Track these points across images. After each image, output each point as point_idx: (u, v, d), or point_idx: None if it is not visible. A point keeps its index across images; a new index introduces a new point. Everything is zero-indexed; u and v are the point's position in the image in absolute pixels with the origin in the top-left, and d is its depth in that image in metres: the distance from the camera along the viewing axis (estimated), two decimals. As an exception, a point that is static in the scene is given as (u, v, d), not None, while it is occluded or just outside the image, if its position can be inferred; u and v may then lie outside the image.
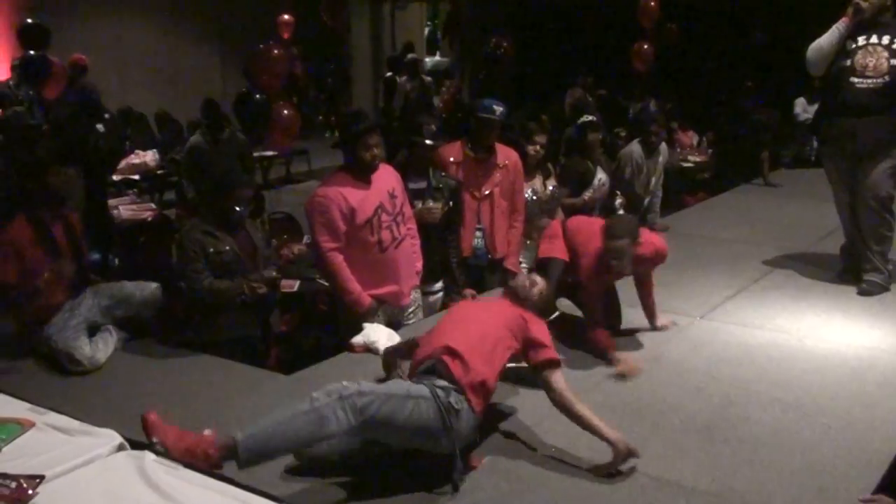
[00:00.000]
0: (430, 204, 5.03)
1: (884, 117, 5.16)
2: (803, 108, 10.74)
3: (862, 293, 5.30)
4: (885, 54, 5.16)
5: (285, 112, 10.48)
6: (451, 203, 5.14)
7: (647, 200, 6.99)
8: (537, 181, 5.97)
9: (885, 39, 5.18)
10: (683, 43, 13.04)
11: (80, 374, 4.21)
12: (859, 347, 4.47)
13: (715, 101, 11.81)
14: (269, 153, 11.04)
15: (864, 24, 5.23)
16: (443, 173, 5.24)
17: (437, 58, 18.84)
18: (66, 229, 4.61)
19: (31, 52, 8.46)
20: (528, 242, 5.86)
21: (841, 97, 5.29)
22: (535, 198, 5.88)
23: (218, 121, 8.40)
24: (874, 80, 5.17)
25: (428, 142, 5.04)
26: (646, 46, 11.54)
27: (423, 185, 5.09)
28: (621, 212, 6.52)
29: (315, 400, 2.94)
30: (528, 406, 3.72)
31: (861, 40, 5.24)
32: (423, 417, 3.01)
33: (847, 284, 5.48)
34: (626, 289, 4.75)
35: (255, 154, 10.85)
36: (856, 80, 5.21)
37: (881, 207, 5.32)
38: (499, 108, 5.37)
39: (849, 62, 5.24)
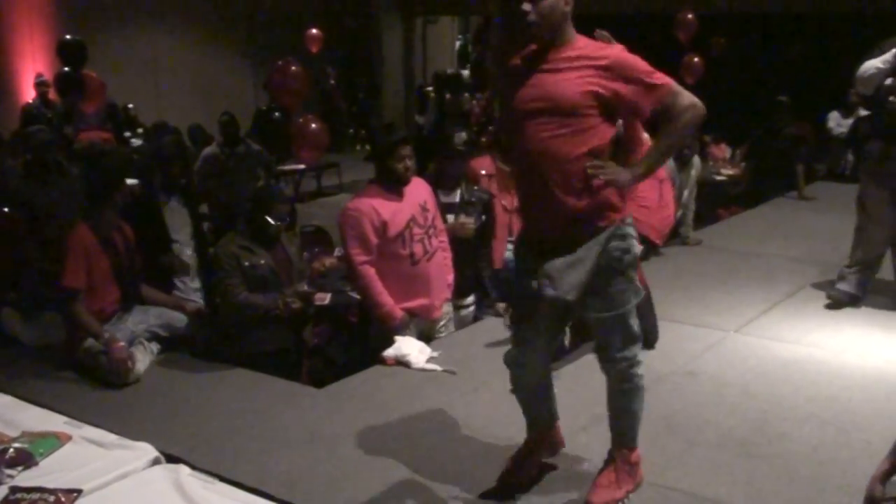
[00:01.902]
0: (463, 218, 5.03)
1: None
2: (837, 122, 10.63)
3: None
4: None
5: (313, 126, 10.52)
6: (483, 217, 5.13)
7: (679, 214, 6.95)
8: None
9: None
10: (721, 56, 12.93)
11: (120, 385, 4.25)
12: (898, 363, 4.41)
13: (749, 114, 11.70)
14: (300, 167, 11.11)
15: None
16: (475, 187, 5.24)
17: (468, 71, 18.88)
18: (124, 241, 4.73)
19: (66, 69, 8.60)
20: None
21: (885, 117, 5.08)
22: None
23: (234, 133, 8.64)
24: None
25: (460, 147, 5.06)
26: (696, 59, 11.44)
27: (454, 199, 5.09)
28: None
29: None
30: (562, 419, 3.70)
31: None
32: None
33: (884, 299, 5.39)
34: (662, 304, 4.72)
35: (287, 167, 10.94)
36: None
37: None
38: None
39: (892, 81, 5.00)
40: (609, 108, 2.82)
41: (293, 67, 9.73)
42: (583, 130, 2.81)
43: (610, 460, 3.12)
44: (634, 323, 3.00)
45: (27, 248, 5.43)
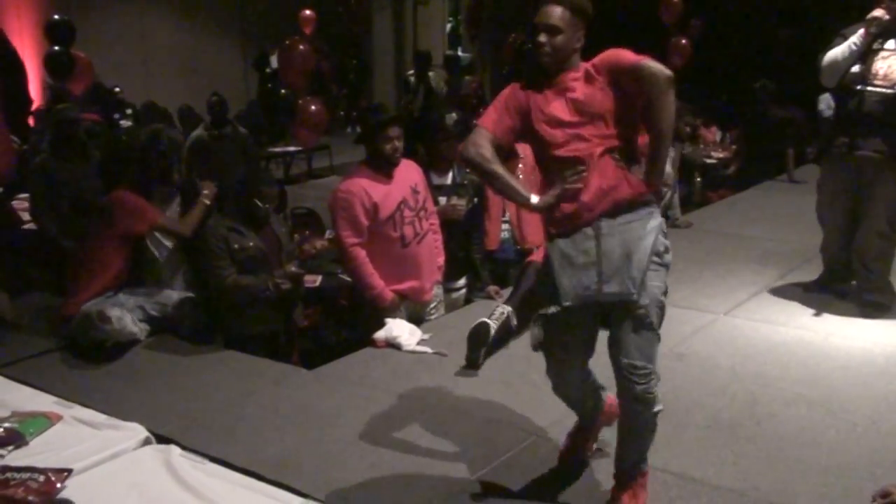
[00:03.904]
0: (455, 201, 5.03)
1: (892, 130, 4.81)
2: (828, 105, 10.57)
3: (870, 306, 4.98)
4: None
5: (313, 107, 10.49)
6: (475, 199, 5.13)
7: (667, 194, 6.94)
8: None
9: None
10: (707, 39, 12.91)
11: (105, 337, 4.31)
12: (886, 345, 4.44)
13: (738, 97, 11.70)
14: (290, 149, 11.10)
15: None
16: (467, 169, 5.23)
17: (460, 53, 18.84)
18: None
19: (56, 48, 8.55)
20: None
21: (849, 105, 4.95)
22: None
23: (222, 115, 8.63)
24: (885, 89, 4.80)
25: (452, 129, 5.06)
26: (683, 41, 11.36)
27: (447, 181, 5.09)
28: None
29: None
30: (548, 403, 3.71)
31: (875, 45, 4.86)
32: None
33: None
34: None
35: (278, 150, 10.92)
36: (866, 87, 4.85)
37: (890, 226, 4.99)
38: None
39: (859, 68, 4.87)
40: None
41: (301, 46, 9.71)
42: None
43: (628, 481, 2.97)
44: None
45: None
